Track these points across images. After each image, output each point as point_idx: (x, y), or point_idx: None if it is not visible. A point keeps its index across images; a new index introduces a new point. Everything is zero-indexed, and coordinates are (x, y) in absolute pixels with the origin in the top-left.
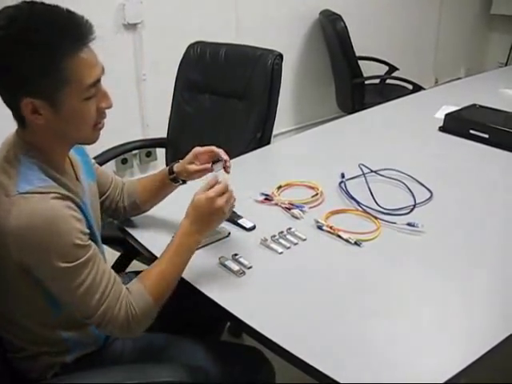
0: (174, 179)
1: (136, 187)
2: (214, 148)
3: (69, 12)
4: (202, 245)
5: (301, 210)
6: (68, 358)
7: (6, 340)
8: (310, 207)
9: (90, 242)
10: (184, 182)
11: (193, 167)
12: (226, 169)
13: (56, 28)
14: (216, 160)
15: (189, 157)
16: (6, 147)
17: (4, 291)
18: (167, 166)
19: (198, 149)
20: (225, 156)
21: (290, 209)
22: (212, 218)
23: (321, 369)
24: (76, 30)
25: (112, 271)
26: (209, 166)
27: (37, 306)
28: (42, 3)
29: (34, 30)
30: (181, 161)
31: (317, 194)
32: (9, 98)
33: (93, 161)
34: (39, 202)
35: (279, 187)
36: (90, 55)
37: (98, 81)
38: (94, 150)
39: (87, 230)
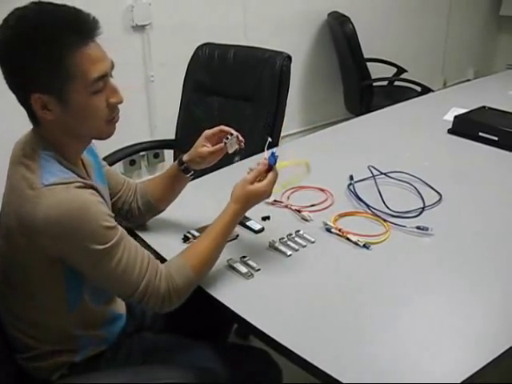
0: (184, 170)
1: (147, 186)
2: (223, 127)
3: (75, 9)
4: None
5: (310, 213)
6: (77, 357)
7: (14, 340)
8: (319, 210)
9: (116, 223)
10: (195, 173)
11: (205, 149)
12: (240, 143)
13: (62, 24)
14: (226, 138)
15: (200, 141)
16: (21, 145)
17: (20, 287)
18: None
19: (207, 131)
20: (235, 132)
21: (299, 211)
22: (257, 202)
23: (330, 372)
24: (81, 26)
25: (142, 247)
26: (222, 145)
27: (55, 299)
28: (51, 3)
29: (40, 27)
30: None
31: (325, 197)
32: (19, 95)
33: (103, 162)
34: (65, 192)
35: (288, 189)
36: (96, 50)
37: (105, 75)
38: (101, 151)
39: (112, 213)
